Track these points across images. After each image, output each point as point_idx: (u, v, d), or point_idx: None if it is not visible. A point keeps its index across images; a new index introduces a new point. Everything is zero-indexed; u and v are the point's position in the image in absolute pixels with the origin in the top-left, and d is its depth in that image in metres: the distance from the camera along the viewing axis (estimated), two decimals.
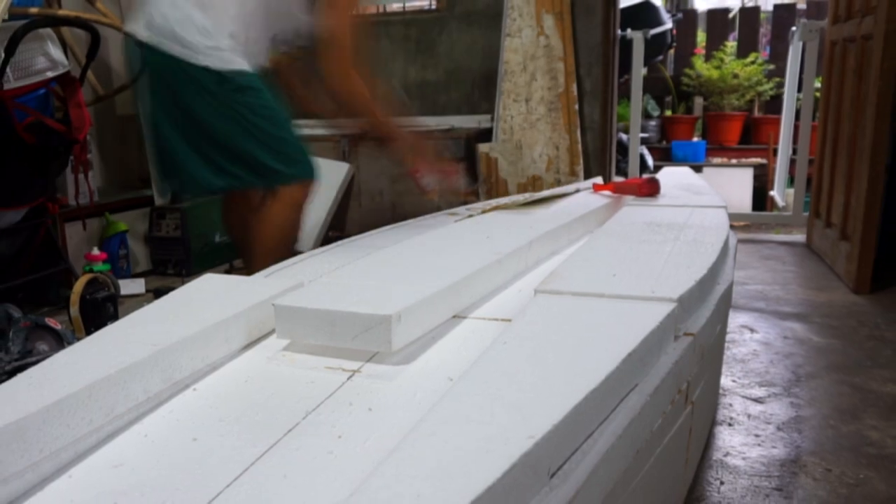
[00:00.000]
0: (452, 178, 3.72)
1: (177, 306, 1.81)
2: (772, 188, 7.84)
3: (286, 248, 3.51)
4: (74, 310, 3.97)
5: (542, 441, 1.14)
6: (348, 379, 1.54)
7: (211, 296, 1.89)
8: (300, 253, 2.62)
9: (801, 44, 6.59)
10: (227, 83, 3.28)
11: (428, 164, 3.59)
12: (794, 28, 7.01)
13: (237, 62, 3.30)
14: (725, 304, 2.31)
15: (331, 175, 4.15)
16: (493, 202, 3.32)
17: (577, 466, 1.22)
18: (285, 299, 1.77)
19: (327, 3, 3.31)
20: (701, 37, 9.81)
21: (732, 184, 8.26)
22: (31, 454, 1.20)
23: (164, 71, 3.29)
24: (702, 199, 3.05)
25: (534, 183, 5.58)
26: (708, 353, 1.95)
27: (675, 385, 1.62)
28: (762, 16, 10.07)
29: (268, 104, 3.37)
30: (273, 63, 3.65)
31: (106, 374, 1.36)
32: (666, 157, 8.81)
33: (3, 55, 3.87)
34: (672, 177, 3.62)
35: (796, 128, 6.73)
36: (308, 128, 6.32)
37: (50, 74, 4.26)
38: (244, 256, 3.83)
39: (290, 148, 3.44)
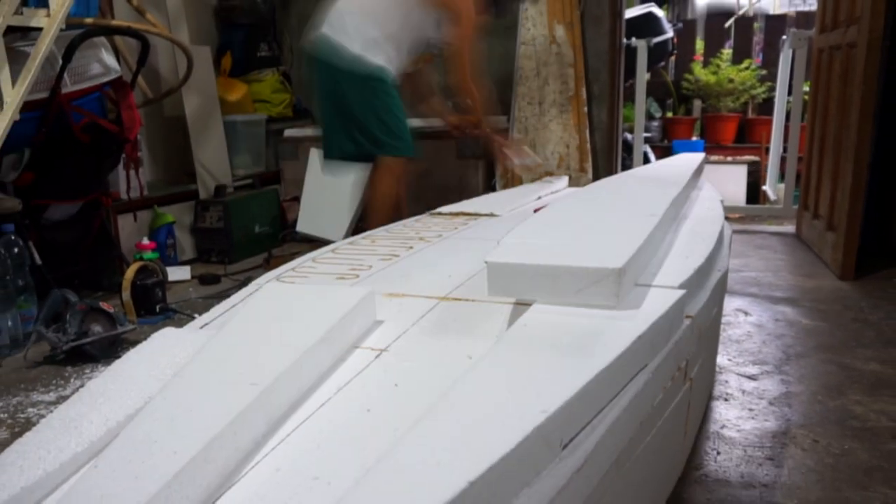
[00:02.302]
0: (527, 159, 4.91)
1: (254, 328, 1.61)
2: (764, 183, 7.81)
3: (389, 211, 4.20)
4: (126, 294, 3.99)
5: (553, 415, 1.15)
6: (376, 357, 1.54)
7: (287, 313, 1.69)
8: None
9: (791, 51, 6.56)
10: (363, 79, 4.05)
11: (511, 151, 4.83)
12: (784, 37, 6.97)
13: (372, 66, 4.06)
14: (721, 289, 2.30)
15: (362, 170, 4.25)
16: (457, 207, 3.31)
17: (586, 439, 1.22)
18: (498, 254, 1.70)
19: (453, 23, 4.11)
20: (699, 45, 9.77)
21: (728, 179, 8.21)
22: None
23: (325, 71, 4.15)
24: (700, 193, 3.04)
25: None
26: (705, 333, 1.94)
27: (675, 363, 1.62)
28: (755, 25, 10.04)
29: (387, 96, 4.12)
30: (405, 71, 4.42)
31: (219, 430, 1.18)
32: (667, 155, 8.71)
33: (61, 62, 3.88)
34: None
35: (787, 128, 6.70)
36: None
37: (104, 79, 4.27)
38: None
39: (398, 129, 4.17)
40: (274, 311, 1.70)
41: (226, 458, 1.17)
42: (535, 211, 2.90)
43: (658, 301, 1.60)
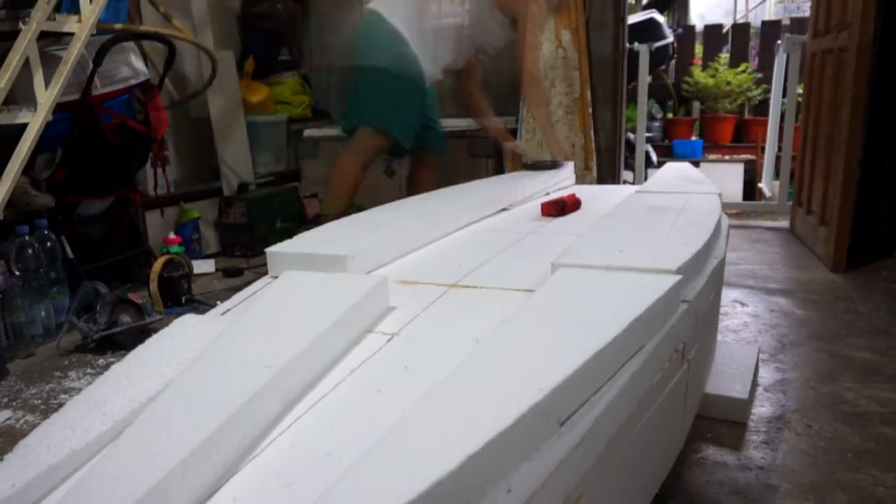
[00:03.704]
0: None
1: (272, 314, 1.62)
2: (760, 181, 7.80)
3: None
4: (154, 286, 4.00)
5: (551, 394, 1.15)
6: (388, 341, 1.53)
7: (303, 299, 1.70)
8: None
9: (785, 55, 6.55)
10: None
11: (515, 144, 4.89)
12: (779, 42, 6.96)
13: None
14: (718, 276, 2.29)
15: None
16: None
17: (584, 417, 1.22)
18: None
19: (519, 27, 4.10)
20: (698, 49, 9.76)
21: (725, 177, 8.21)
22: None
23: None
24: (698, 187, 3.03)
25: None
26: (702, 318, 1.94)
27: (672, 345, 1.62)
28: (751, 31, 10.01)
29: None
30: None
31: (232, 412, 1.18)
32: (668, 153, 8.77)
33: (92, 65, 3.89)
34: (673, 170, 3.60)
35: (781, 128, 6.68)
36: None
37: (132, 82, 4.27)
38: None
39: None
40: (291, 297, 1.70)
41: (242, 436, 1.17)
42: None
43: (655, 285, 1.60)
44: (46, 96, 3.46)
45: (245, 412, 1.19)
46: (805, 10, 10.67)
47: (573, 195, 3.03)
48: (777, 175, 6.91)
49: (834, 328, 3.54)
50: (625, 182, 6.31)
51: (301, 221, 5.83)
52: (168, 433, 1.13)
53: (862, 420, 2.59)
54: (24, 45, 3.30)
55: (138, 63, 4.36)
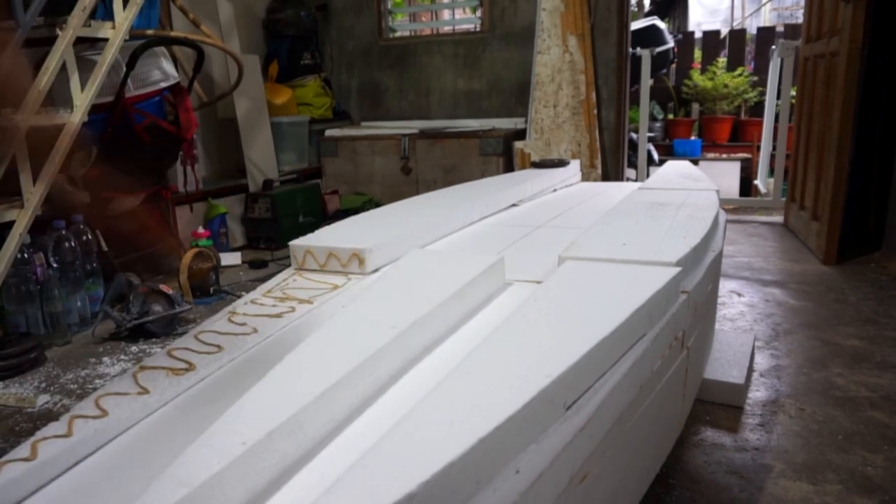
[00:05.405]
0: None
1: (399, 285, 1.68)
2: (755, 178, 7.77)
3: None
4: (183, 278, 4.00)
5: (557, 380, 1.15)
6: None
7: (428, 273, 1.76)
8: None
9: (779, 59, 6.52)
10: None
11: None
12: (773, 47, 6.93)
13: None
14: (716, 268, 2.29)
15: None
16: None
17: (589, 401, 1.21)
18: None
19: None
20: (697, 54, 9.73)
21: (723, 174, 8.19)
22: (306, 442, 1.12)
23: None
24: (698, 184, 3.02)
25: None
26: (701, 307, 1.93)
27: (672, 333, 1.61)
28: (748, 36, 9.98)
29: None
30: None
31: (359, 363, 1.27)
32: (668, 152, 8.76)
33: (125, 69, 3.89)
34: (674, 168, 3.58)
35: (776, 128, 6.66)
36: (373, 128, 6.36)
37: (163, 84, 4.26)
38: None
39: None
40: (417, 270, 1.77)
41: (365, 385, 1.27)
42: None
43: (656, 277, 1.59)
44: (82, 98, 3.46)
45: (369, 365, 1.28)
46: (798, 17, 10.64)
47: None
48: (772, 172, 6.89)
49: (825, 317, 3.52)
50: (628, 179, 6.31)
51: (322, 217, 5.84)
52: (305, 376, 1.22)
53: (852, 404, 2.58)
54: (62, 50, 3.30)
55: (169, 67, 4.36)
